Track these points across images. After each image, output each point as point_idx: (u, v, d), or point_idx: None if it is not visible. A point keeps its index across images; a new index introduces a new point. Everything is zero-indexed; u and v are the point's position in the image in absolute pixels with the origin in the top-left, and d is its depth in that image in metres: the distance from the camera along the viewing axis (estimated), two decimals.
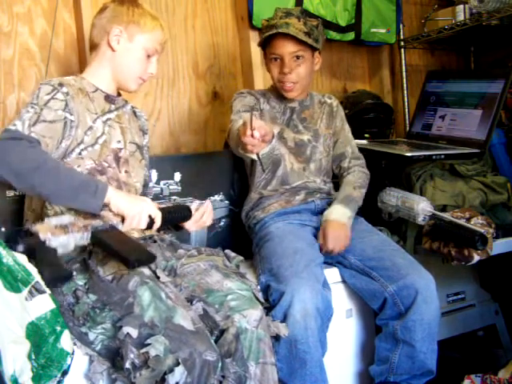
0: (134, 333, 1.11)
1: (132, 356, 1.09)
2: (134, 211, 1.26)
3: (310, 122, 1.75)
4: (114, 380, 1.14)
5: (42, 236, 1.15)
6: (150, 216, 1.28)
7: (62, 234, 1.17)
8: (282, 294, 1.38)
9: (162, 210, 1.33)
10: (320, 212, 1.69)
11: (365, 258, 1.56)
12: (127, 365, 1.09)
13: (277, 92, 1.73)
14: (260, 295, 1.38)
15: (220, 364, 1.15)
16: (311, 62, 1.68)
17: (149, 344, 1.08)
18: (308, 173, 1.72)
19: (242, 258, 1.49)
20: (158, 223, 1.30)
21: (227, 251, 1.50)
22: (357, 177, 1.74)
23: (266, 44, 1.68)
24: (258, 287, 1.44)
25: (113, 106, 1.45)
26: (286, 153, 1.71)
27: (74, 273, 1.25)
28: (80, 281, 1.24)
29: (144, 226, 1.28)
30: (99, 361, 1.18)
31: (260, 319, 1.27)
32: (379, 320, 1.53)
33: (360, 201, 1.70)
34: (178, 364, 1.07)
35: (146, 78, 1.46)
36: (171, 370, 1.07)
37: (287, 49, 1.62)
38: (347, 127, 1.83)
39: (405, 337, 1.46)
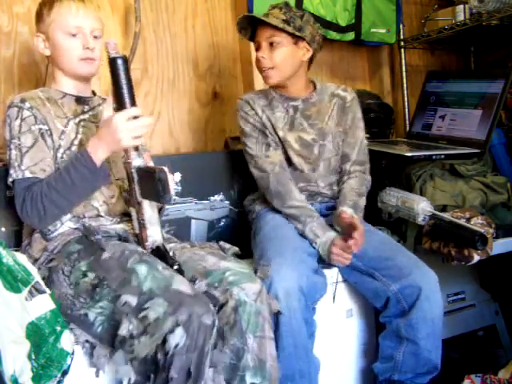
0: (133, 300, 1.12)
1: (131, 327, 1.10)
2: (115, 146, 1.25)
3: (315, 119, 1.71)
4: (115, 350, 1.14)
5: None
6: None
7: None
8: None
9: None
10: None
11: (366, 259, 1.55)
12: (123, 333, 1.10)
13: (279, 90, 1.72)
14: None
15: (215, 329, 1.15)
16: (292, 50, 1.63)
17: (147, 308, 1.10)
18: (317, 174, 1.70)
19: (237, 248, 1.48)
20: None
21: (221, 243, 1.50)
22: (359, 183, 1.70)
23: None
24: None
25: (86, 107, 1.45)
26: (294, 155, 1.69)
27: (77, 261, 1.27)
28: (83, 267, 1.25)
29: (133, 140, 1.25)
30: (101, 346, 1.20)
31: (259, 292, 1.26)
32: (382, 317, 1.54)
33: (363, 209, 1.68)
34: (177, 326, 1.08)
35: (88, 55, 1.39)
36: (171, 331, 1.08)
37: (263, 34, 1.63)
38: (360, 127, 1.76)
39: (409, 335, 1.46)
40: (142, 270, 1.18)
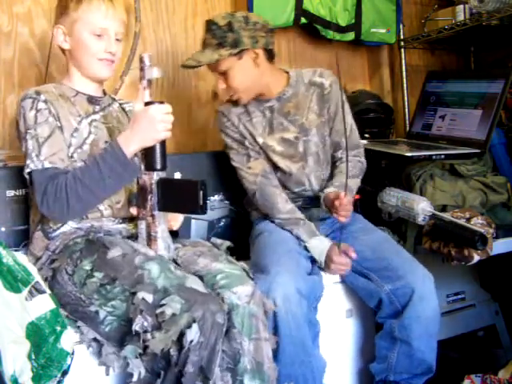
0: (149, 297, 1.12)
1: (146, 324, 1.10)
2: (150, 136, 1.25)
3: (295, 114, 1.66)
4: (125, 345, 1.14)
5: None
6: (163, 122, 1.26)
7: None
8: (263, 282, 1.38)
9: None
10: (317, 219, 1.68)
11: (362, 260, 1.54)
12: (137, 328, 1.10)
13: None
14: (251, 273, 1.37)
15: (224, 329, 1.16)
16: (241, 67, 1.56)
17: (164, 305, 1.10)
18: (308, 170, 1.68)
19: (229, 242, 1.48)
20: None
21: (213, 239, 1.50)
22: (351, 166, 1.64)
23: None
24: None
25: (97, 107, 1.44)
26: (279, 159, 1.67)
27: (79, 260, 1.26)
28: (86, 266, 1.24)
29: (166, 132, 1.27)
30: (109, 344, 1.20)
31: (251, 294, 1.25)
32: (379, 318, 1.54)
33: (354, 189, 1.65)
34: (194, 321, 1.09)
35: (107, 57, 1.38)
36: (188, 327, 1.09)
37: (210, 68, 1.61)
38: (346, 112, 1.67)
39: (402, 335, 1.46)
40: (154, 268, 1.18)
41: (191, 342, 1.08)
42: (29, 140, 1.30)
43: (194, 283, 1.18)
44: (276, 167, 1.68)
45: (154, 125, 1.24)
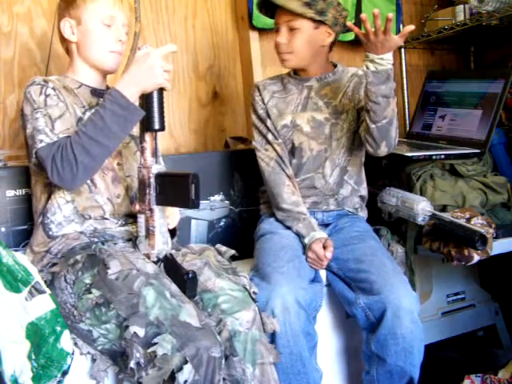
0: (141, 332, 1.10)
1: (138, 355, 1.08)
2: (149, 80, 1.24)
3: (330, 98, 1.67)
4: (120, 380, 1.14)
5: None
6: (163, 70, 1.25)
7: None
8: (263, 290, 1.38)
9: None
10: (321, 223, 1.66)
11: (345, 269, 1.53)
12: (132, 364, 1.08)
13: (294, 72, 1.70)
14: (253, 290, 1.36)
15: (223, 360, 1.14)
16: (312, 35, 1.58)
17: (156, 343, 1.08)
18: (328, 154, 1.65)
19: (233, 251, 1.47)
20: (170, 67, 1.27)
21: (218, 246, 1.49)
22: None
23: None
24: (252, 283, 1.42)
25: (101, 100, 1.41)
26: (305, 140, 1.66)
27: (80, 271, 1.24)
28: (87, 279, 1.22)
29: (165, 78, 1.26)
30: (102, 359, 1.19)
31: (253, 320, 1.25)
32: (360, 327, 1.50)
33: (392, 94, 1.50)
34: (185, 362, 1.07)
35: (118, 48, 1.40)
36: (180, 369, 1.06)
37: (282, 18, 1.59)
38: None
39: (378, 351, 1.42)
40: (150, 295, 1.15)
41: (185, 381, 1.06)
42: (40, 118, 1.28)
43: (189, 315, 1.14)
44: (296, 150, 1.66)
45: (153, 69, 1.23)
